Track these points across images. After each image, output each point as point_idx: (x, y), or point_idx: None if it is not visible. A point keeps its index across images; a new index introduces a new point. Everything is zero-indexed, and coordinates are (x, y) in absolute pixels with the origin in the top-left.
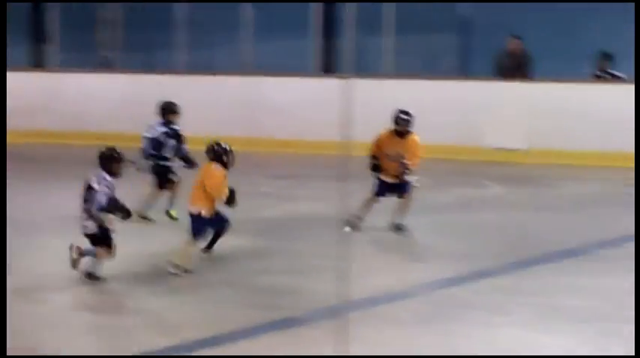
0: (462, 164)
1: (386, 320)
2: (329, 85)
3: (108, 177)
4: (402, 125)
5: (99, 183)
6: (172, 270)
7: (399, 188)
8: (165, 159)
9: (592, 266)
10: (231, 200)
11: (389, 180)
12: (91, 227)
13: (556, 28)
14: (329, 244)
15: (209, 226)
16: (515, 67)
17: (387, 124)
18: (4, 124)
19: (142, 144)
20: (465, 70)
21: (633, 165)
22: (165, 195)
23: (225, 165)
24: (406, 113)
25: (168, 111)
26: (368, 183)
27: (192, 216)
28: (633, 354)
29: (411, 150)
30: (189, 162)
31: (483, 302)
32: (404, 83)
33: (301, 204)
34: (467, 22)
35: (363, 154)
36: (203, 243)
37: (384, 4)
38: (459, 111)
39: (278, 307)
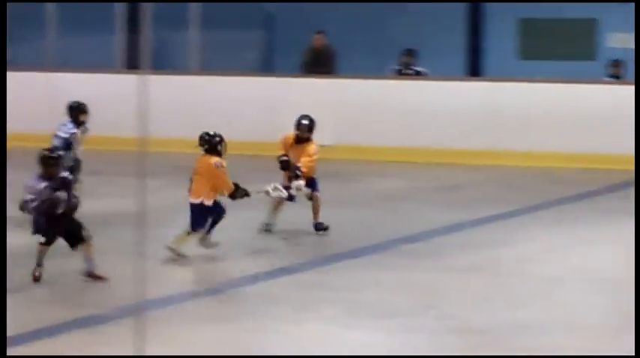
0: (267, 161)
1: (188, 318)
2: (131, 80)
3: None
4: (301, 131)
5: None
6: (170, 253)
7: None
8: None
9: (396, 261)
10: (236, 194)
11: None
12: None
13: (360, 24)
14: (130, 241)
15: (209, 215)
16: (319, 62)
17: (191, 119)
18: (4, 124)
19: (54, 143)
20: (269, 66)
21: (437, 160)
22: None
23: (220, 154)
24: (307, 118)
25: (78, 110)
26: (170, 179)
27: (193, 206)
28: (633, 354)
29: (305, 155)
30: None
31: (288, 298)
32: (210, 79)
33: (104, 200)
34: (272, 18)
35: (167, 150)
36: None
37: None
38: (263, 107)
39: (81, 304)
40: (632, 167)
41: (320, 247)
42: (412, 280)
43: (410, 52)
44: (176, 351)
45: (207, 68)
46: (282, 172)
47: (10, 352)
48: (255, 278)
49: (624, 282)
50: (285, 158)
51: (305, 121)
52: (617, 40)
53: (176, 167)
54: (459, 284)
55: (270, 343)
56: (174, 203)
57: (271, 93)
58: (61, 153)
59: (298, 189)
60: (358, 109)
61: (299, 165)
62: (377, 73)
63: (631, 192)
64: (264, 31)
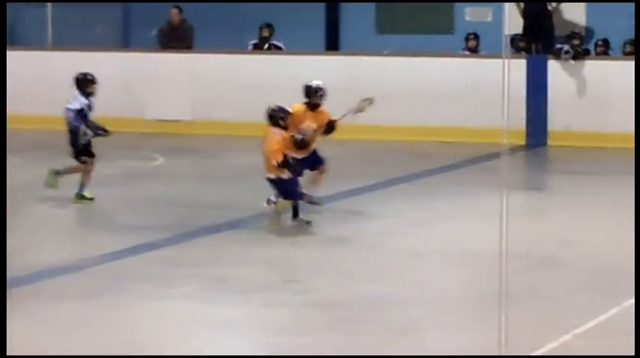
0: (126, 136)
1: (50, 295)
2: None
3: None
4: (320, 96)
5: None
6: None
7: (312, 160)
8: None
9: (257, 236)
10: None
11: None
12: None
13: None
14: None
15: (297, 176)
16: (176, 37)
17: (48, 96)
18: (4, 124)
19: (68, 116)
20: (126, 42)
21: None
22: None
23: (284, 128)
24: (319, 82)
25: (87, 81)
26: (32, 156)
27: (273, 181)
28: (632, 354)
29: (323, 121)
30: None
31: (150, 274)
32: (63, 55)
33: None
34: None
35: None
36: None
37: None
38: (120, 83)
39: None
40: (492, 140)
41: (180, 223)
42: (274, 255)
43: (268, 26)
44: (36, 327)
45: (62, 44)
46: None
47: None
48: (118, 254)
49: (484, 256)
50: (300, 136)
51: (321, 85)
52: (474, 14)
53: (35, 144)
54: (320, 258)
55: (131, 319)
56: (34, 179)
57: (128, 69)
58: None
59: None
60: (215, 84)
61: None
62: (234, 48)
63: (491, 165)
64: (120, 6)
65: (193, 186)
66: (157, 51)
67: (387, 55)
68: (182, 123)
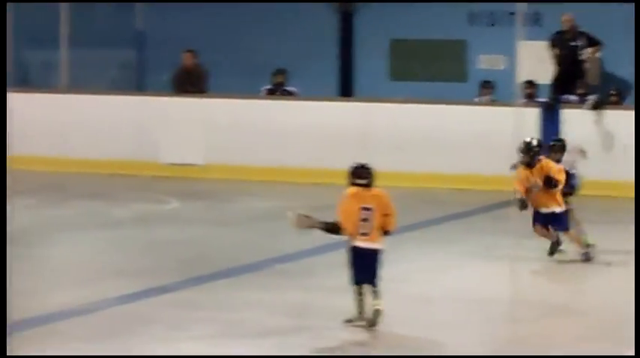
0: (139, 179)
1: (62, 337)
2: None
3: None
4: (529, 154)
5: None
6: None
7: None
8: None
9: (269, 281)
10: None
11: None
12: None
13: (231, 43)
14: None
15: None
16: (190, 81)
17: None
18: (5, 123)
19: None
20: (140, 85)
21: (308, 180)
22: None
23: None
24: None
25: None
26: (46, 198)
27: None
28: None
29: (553, 171)
30: None
31: (162, 317)
32: (80, 98)
33: None
34: (142, 35)
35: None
36: None
37: (61, 15)
38: (134, 126)
39: None
40: (505, 188)
41: (192, 267)
42: (285, 300)
43: (281, 72)
44: None
45: (76, 86)
46: None
47: None
48: (130, 297)
49: (497, 303)
50: (522, 197)
51: (531, 145)
52: (487, 62)
53: (45, 185)
54: (331, 303)
55: None
56: (46, 221)
57: (142, 112)
58: None
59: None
60: (228, 129)
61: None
62: (248, 93)
63: (504, 212)
64: (134, 49)
65: (206, 229)
66: (170, 95)
67: (406, 102)
68: (195, 168)
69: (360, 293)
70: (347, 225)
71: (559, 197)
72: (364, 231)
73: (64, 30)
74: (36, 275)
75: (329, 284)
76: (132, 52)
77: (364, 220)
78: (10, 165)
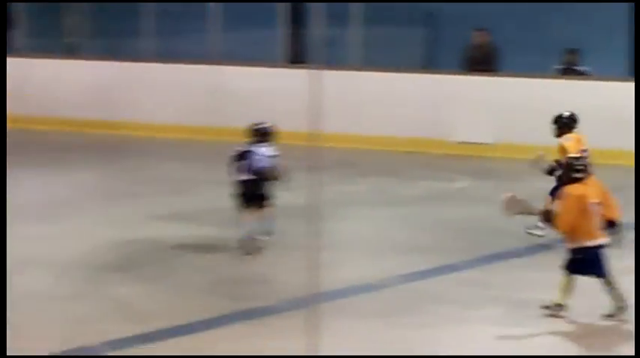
0: (429, 157)
1: (352, 313)
2: (295, 74)
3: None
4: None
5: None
6: None
7: None
8: None
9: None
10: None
11: None
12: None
13: (523, 22)
14: (299, 235)
15: None
16: (482, 60)
17: (356, 116)
18: (4, 123)
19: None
20: (432, 63)
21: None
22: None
23: None
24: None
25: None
26: (338, 174)
27: None
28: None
29: None
30: None
31: (452, 296)
32: (373, 76)
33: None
34: (434, 14)
35: (331, 145)
36: None
37: None
38: (426, 104)
39: (247, 297)
40: None
41: (482, 245)
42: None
43: (573, 51)
44: (346, 345)
45: (369, 64)
46: None
47: (170, 343)
48: (418, 275)
49: None
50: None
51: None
52: None
53: (338, 162)
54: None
55: (436, 341)
56: (338, 198)
57: (434, 90)
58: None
59: None
60: (518, 108)
61: None
62: (538, 72)
63: None
64: (426, 28)
65: (494, 208)
66: (462, 73)
67: None
68: (485, 146)
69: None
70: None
71: None
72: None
73: (355, 8)
74: (327, 250)
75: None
76: (423, 30)
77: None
78: (313, 142)
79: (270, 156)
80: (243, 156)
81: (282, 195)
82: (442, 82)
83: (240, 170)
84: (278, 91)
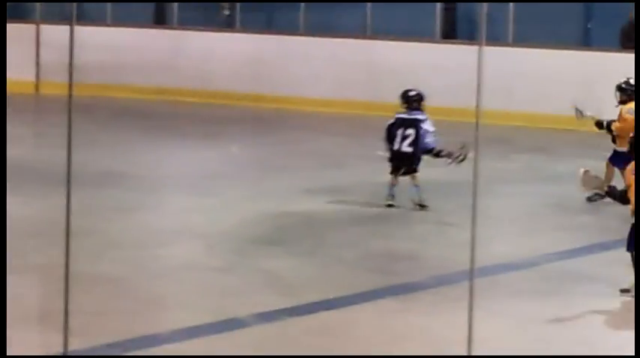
0: (580, 135)
1: (505, 290)
2: (450, 50)
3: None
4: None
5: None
6: None
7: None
8: None
9: None
10: None
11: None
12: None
13: None
14: (449, 211)
15: None
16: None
17: (509, 92)
18: (4, 122)
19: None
20: (586, 40)
21: None
22: None
23: None
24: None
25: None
26: (491, 151)
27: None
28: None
29: None
30: None
31: (603, 276)
32: (526, 51)
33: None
34: None
35: (485, 122)
36: None
37: None
38: (578, 81)
39: (396, 272)
40: None
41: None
42: None
43: None
44: (493, 320)
45: (523, 40)
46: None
47: (319, 316)
48: (568, 254)
49: None
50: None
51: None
52: None
53: (491, 139)
54: None
55: (586, 318)
56: (490, 174)
57: (585, 68)
58: None
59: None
60: None
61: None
62: None
63: None
64: (584, 4)
65: None
66: (616, 50)
67: None
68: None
69: None
70: None
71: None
72: None
73: None
74: (479, 227)
75: None
76: (579, 5)
77: None
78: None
79: (432, 132)
80: (403, 124)
81: (437, 171)
82: (595, 59)
83: (399, 139)
84: (432, 67)
